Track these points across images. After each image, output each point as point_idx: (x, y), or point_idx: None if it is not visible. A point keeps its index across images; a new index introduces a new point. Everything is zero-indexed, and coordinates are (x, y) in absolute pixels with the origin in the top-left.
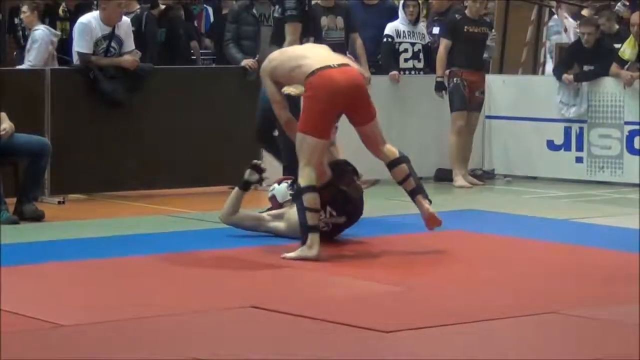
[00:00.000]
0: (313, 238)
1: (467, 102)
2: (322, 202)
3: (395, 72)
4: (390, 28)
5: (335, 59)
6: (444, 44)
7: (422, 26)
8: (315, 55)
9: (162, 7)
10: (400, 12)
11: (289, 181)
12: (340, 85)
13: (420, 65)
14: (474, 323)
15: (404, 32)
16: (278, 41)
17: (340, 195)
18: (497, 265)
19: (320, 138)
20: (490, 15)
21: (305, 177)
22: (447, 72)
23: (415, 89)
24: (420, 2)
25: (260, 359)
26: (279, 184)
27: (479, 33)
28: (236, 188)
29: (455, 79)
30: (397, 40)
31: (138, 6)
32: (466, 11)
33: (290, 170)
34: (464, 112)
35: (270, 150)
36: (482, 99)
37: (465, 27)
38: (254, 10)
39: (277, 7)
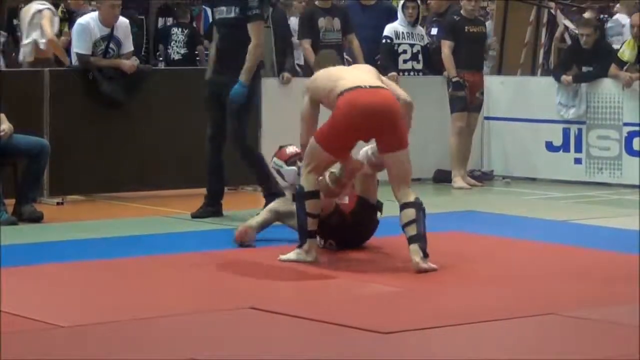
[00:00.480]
0: (311, 243)
1: (468, 103)
2: (325, 230)
3: (394, 73)
4: (389, 29)
5: (370, 80)
6: (447, 45)
7: (421, 27)
8: (351, 76)
9: None
10: (400, 14)
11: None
12: (364, 106)
13: (419, 66)
14: (473, 324)
15: (402, 33)
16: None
17: (345, 227)
18: (496, 266)
19: (329, 152)
20: (489, 14)
21: (308, 182)
22: (446, 73)
23: (414, 90)
24: (419, 3)
25: (259, 359)
26: (286, 162)
27: (478, 33)
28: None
29: (459, 78)
30: (396, 41)
31: (90, 7)
32: (462, 11)
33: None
34: (464, 113)
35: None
36: (482, 100)
37: (465, 27)
38: None
39: (233, 7)
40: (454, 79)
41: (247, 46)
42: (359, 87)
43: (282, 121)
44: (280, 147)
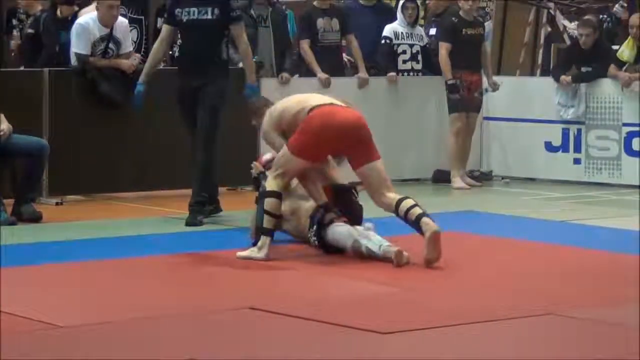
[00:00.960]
0: (265, 240)
1: (467, 104)
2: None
3: (393, 74)
4: (388, 30)
5: (339, 101)
6: (444, 47)
7: (420, 28)
8: (318, 97)
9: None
10: (399, 14)
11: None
12: (339, 120)
13: (419, 66)
14: (472, 324)
15: (402, 33)
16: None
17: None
18: (495, 267)
19: (304, 159)
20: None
21: (272, 184)
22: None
23: (413, 90)
24: (419, 3)
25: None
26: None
27: (476, 34)
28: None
29: (456, 81)
30: (395, 42)
31: (40, 7)
32: (460, 12)
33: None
34: (463, 113)
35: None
36: (480, 100)
37: (463, 29)
38: (252, 12)
39: (210, 8)
40: (449, 82)
41: (220, 48)
42: (332, 104)
43: None
44: (257, 156)
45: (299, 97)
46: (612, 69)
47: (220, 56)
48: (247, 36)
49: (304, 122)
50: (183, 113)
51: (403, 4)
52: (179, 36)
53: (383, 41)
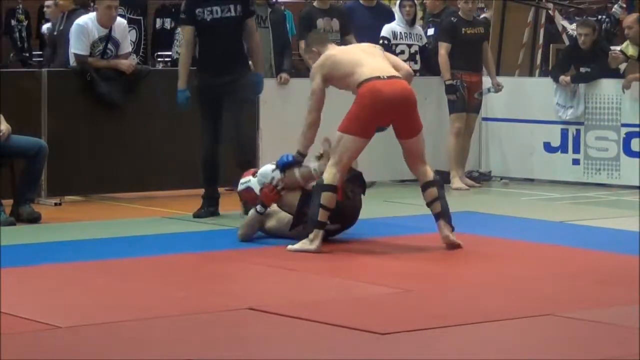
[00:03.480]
0: (317, 233)
1: (467, 104)
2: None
3: None
4: (386, 30)
5: (386, 70)
6: (444, 47)
7: (419, 27)
8: (369, 63)
9: None
10: (397, 13)
11: (273, 165)
12: (386, 97)
13: (417, 66)
14: (471, 325)
15: (400, 33)
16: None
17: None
18: (494, 267)
19: (359, 137)
20: (485, 14)
21: (330, 176)
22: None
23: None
24: (417, 2)
25: None
26: (253, 175)
27: (476, 34)
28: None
29: (455, 81)
30: (393, 42)
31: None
32: (459, 12)
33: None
34: (463, 114)
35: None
36: (480, 101)
37: (463, 29)
38: None
39: (232, 6)
40: (447, 82)
41: (241, 44)
42: (379, 77)
43: (280, 122)
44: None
45: (353, 56)
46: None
47: (243, 51)
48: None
49: (356, 105)
50: (208, 110)
51: (400, 2)
52: (197, 36)
53: (381, 41)
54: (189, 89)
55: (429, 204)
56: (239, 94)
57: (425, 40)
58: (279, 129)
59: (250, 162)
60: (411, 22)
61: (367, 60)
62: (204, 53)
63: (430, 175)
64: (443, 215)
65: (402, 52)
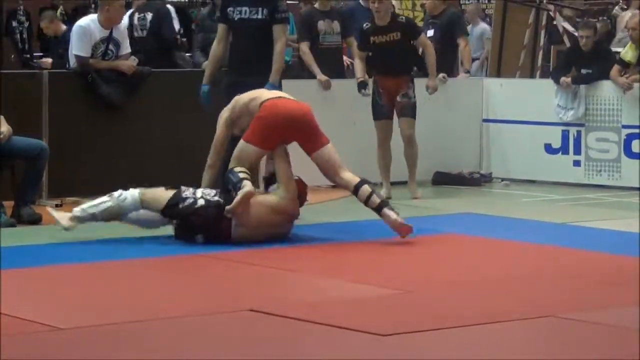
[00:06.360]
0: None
1: (386, 111)
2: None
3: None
4: None
5: (287, 95)
6: (357, 55)
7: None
8: (269, 92)
9: None
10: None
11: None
12: (290, 111)
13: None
14: (471, 326)
15: None
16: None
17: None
18: (495, 269)
19: (261, 148)
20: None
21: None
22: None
23: None
24: (417, 3)
25: None
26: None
27: (386, 42)
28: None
29: (365, 79)
30: None
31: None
32: (375, 19)
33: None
34: (380, 121)
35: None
36: (407, 103)
37: (372, 37)
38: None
39: (260, 8)
40: (359, 80)
41: (268, 48)
42: (281, 97)
43: None
44: None
45: (252, 92)
46: (615, 70)
47: (268, 56)
48: None
49: (257, 114)
50: None
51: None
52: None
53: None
54: (210, 84)
55: (366, 202)
56: None
57: None
58: None
59: None
60: None
61: (265, 91)
62: (231, 52)
63: (356, 179)
64: (384, 204)
65: None
